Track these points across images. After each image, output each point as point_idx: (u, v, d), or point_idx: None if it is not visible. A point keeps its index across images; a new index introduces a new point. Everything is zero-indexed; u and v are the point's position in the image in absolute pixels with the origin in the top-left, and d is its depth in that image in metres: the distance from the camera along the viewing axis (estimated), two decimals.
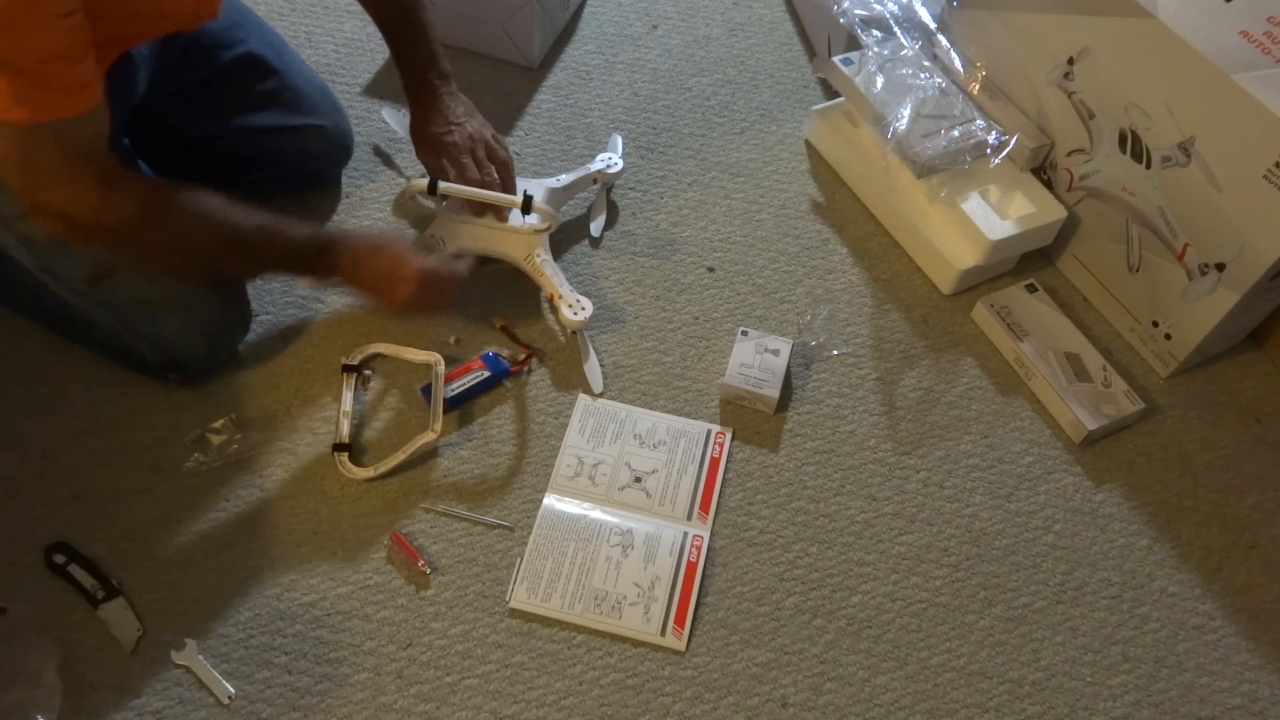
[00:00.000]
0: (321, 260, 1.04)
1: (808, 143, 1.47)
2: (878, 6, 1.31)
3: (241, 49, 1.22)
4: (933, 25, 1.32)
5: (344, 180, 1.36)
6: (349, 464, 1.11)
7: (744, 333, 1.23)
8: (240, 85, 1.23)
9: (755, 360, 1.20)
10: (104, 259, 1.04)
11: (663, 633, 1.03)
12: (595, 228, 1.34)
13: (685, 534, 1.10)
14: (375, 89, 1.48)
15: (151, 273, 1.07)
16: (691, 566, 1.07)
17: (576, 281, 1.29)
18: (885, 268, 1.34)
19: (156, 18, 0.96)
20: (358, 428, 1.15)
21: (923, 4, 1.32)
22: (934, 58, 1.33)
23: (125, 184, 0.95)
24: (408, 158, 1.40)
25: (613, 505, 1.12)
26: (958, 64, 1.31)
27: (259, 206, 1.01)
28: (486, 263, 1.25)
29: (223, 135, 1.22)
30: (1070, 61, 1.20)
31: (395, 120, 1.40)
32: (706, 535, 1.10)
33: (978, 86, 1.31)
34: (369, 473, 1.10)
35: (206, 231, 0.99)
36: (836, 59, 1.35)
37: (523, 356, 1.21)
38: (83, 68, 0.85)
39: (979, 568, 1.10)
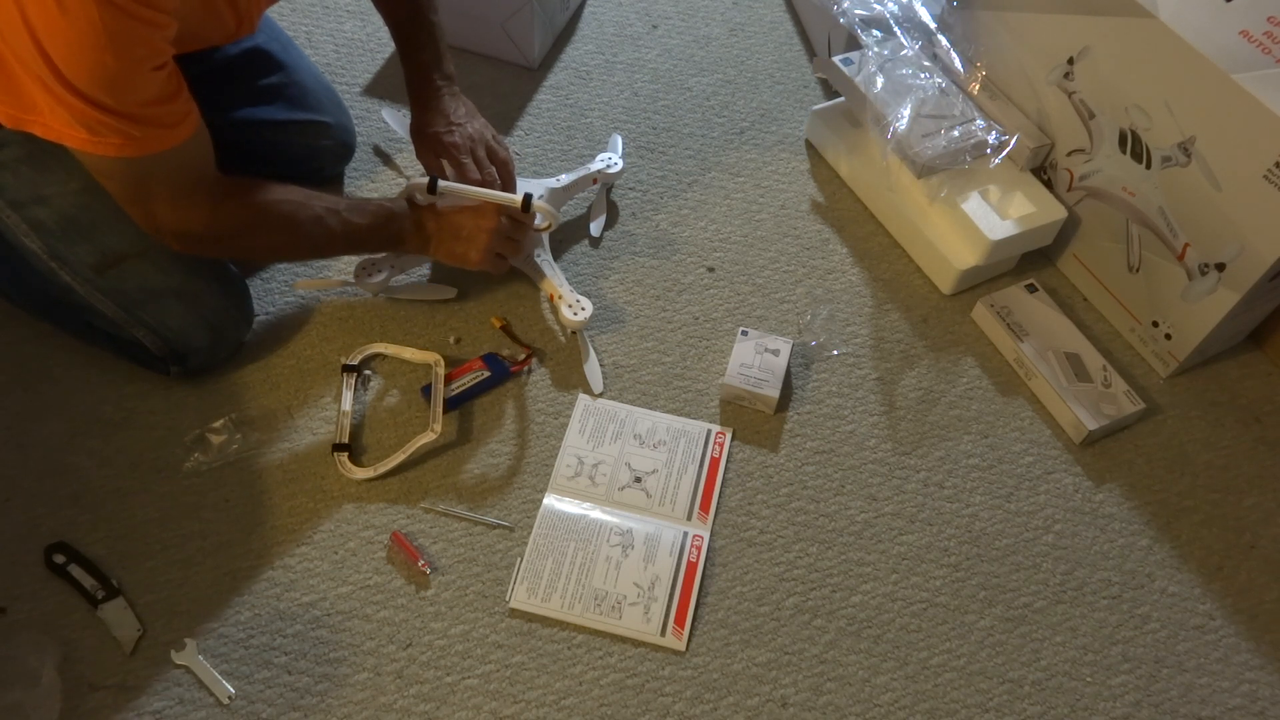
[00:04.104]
0: (402, 228, 1.13)
1: (808, 143, 1.47)
2: (878, 6, 1.30)
3: (248, 43, 1.22)
4: (933, 25, 1.32)
5: (345, 179, 1.37)
6: (349, 464, 1.11)
7: (744, 333, 1.23)
8: (245, 78, 1.23)
9: (755, 360, 1.20)
10: (113, 246, 1.05)
11: (663, 633, 1.03)
12: (595, 228, 1.34)
13: (685, 534, 1.10)
14: (375, 89, 1.48)
15: (159, 262, 1.07)
16: (691, 566, 1.07)
17: (576, 281, 1.29)
18: (885, 268, 1.34)
19: (194, 39, 0.97)
20: (358, 428, 1.15)
21: (923, 4, 1.32)
22: (934, 58, 1.33)
23: (234, 195, 1.03)
24: (407, 158, 1.40)
25: (613, 505, 1.12)
26: (958, 64, 1.31)
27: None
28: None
29: (226, 128, 1.22)
30: (1070, 61, 1.20)
31: (395, 120, 1.41)
32: (706, 535, 1.10)
33: (978, 86, 1.31)
34: (369, 473, 1.10)
35: (307, 220, 1.07)
36: (836, 59, 1.35)
37: (523, 356, 1.21)
38: (178, 102, 0.93)
39: (979, 568, 1.10)
